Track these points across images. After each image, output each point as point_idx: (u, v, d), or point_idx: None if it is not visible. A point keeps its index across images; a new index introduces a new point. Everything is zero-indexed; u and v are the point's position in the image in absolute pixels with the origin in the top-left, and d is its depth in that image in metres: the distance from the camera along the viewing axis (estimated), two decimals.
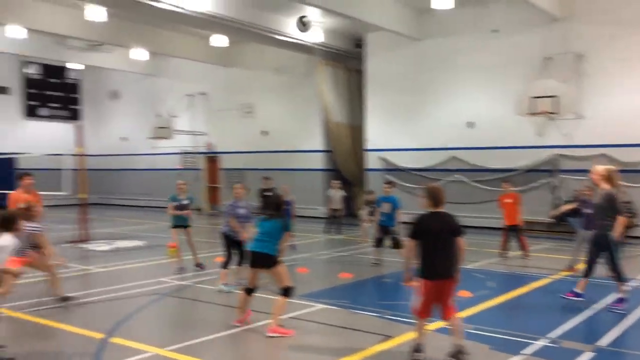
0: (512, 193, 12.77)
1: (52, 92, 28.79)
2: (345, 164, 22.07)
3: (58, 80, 29.06)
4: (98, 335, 6.77)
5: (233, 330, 7.05)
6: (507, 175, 16.96)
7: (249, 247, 7.19)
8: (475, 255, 12.27)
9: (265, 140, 23.80)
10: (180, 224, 11.27)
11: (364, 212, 15.12)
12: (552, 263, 11.64)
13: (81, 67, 27.43)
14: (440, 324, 6.46)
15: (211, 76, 25.39)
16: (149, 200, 26.85)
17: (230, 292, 8.97)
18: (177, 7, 15.54)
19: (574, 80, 16.39)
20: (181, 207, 11.20)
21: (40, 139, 26.88)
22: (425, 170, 19.29)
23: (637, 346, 6.79)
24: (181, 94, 26.28)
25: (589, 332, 7.33)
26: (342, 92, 22.00)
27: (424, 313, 5.89)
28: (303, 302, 8.25)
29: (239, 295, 7.35)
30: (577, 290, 8.26)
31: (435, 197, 5.91)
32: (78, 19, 18.63)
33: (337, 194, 16.48)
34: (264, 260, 6.90)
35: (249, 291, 7.17)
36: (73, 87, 29.77)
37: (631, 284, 8.87)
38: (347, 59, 22.09)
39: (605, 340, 6.70)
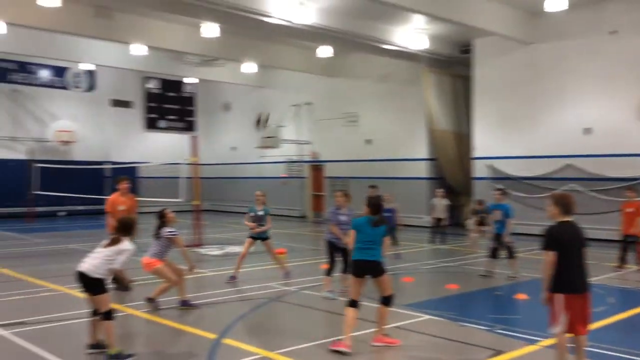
0: (635, 202, 11.95)
1: (169, 105, 30.66)
2: (451, 173, 21.60)
3: (175, 94, 30.88)
4: (211, 336, 7.07)
5: (338, 337, 7.10)
6: (630, 183, 15.80)
7: (354, 255, 6.83)
8: (594, 269, 11.51)
9: (369, 148, 23.85)
10: (256, 236, 11.06)
11: (471, 222, 14.69)
12: None
13: (195, 81, 29.01)
14: (551, 341, 6.14)
15: (316, 86, 25.87)
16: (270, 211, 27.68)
17: (334, 299, 9.06)
18: (286, 20, 16.03)
19: None
20: (256, 219, 11.04)
21: (158, 149, 28.67)
22: (538, 178, 18.45)
23: None
24: (287, 104, 27.00)
25: None
26: (447, 99, 21.60)
27: (573, 329, 5.43)
28: (408, 312, 8.15)
29: (346, 314, 6.72)
30: None
31: (565, 205, 5.52)
32: (194, 36, 19.77)
33: (441, 202, 16.09)
34: (373, 268, 6.75)
35: (355, 303, 6.72)
36: (189, 100, 31.50)
37: None
38: (453, 65, 21.68)
39: None
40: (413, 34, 18.79)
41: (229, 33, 20.44)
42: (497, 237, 11.27)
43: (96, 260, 6.18)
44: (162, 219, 8.72)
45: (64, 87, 26.94)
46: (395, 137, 22.92)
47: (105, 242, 6.37)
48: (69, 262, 10.05)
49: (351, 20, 17.42)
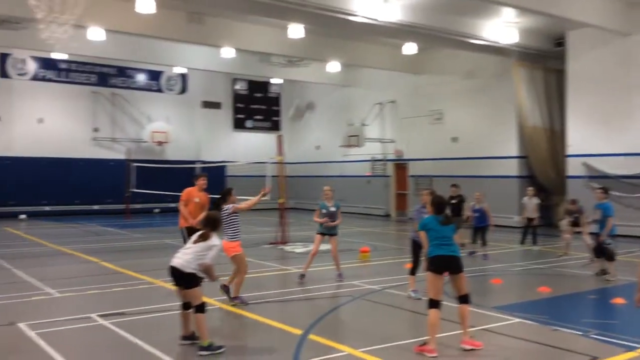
0: None
1: (256, 105, 31.44)
2: (543, 171, 20.75)
3: (261, 95, 31.64)
4: (297, 331, 7.19)
5: (422, 338, 7.02)
6: None
7: (432, 252, 6.67)
8: None
9: (454, 146, 23.36)
10: (326, 232, 10.93)
11: (564, 223, 14.04)
12: None
13: (281, 81, 29.57)
14: None
15: (400, 84, 25.65)
16: (341, 205, 27.82)
17: (419, 299, 8.98)
18: (370, 19, 16.01)
19: None
20: (329, 215, 10.86)
21: (246, 149, 29.49)
22: (637, 177, 17.38)
23: None
24: (371, 103, 26.95)
25: None
26: (539, 94, 20.75)
27: None
28: (497, 315, 7.94)
29: (429, 315, 6.56)
30: None
31: None
32: (280, 38, 20.19)
33: (532, 201, 15.40)
34: (454, 263, 6.62)
35: (436, 304, 6.52)
36: (274, 101, 32.17)
37: None
38: (545, 58, 20.82)
39: None
40: (502, 27, 18.21)
41: (313, 33, 20.68)
42: (597, 237, 11.00)
43: (187, 255, 6.44)
44: (225, 197, 8.81)
45: (158, 90, 28.30)
46: (482, 135, 22.30)
47: (194, 238, 6.62)
48: (164, 257, 10.50)
49: (437, 15, 17.12)
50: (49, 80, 25.39)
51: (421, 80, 24.78)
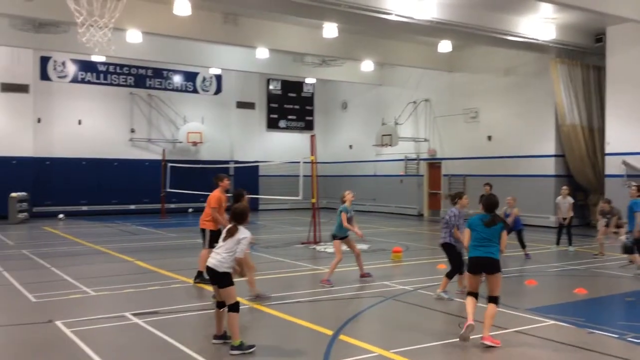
0: None
1: (289, 105, 31.58)
2: (581, 170, 20.29)
3: (295, 95, 31.75)
4: (328, 332, 7.19)
5: (452, 340, 6.95)
6: None
7: (470, 253, 6.97)
8: None
9: (490, 145, 23.04)
10: (344, 235, 10.63)
11: (601, 223, 13.71)
12: None
13: (314, 81, 29.63)
14: None
15: (434, 82, 25.42)
16: (373, 205, 27.80)
17: (450, 300, 8.89)
18: (406, 17, 15.91)
19: None
20: (350, 220, 10.51)
21: (279, 148, 29.66)
22: None
23: None
24: (405, 102, 26.77)
25: None
26: (578, 91, 20.29)
27: None
28: (532, 317, 7.79)
29: (466, 302, 6.99)
30: None
31: None
32: (314, 37, 20.27)
33: (566, 201, 14.92)
34: (488, 264, 6.80)
35: (473, 294, 6.99)
36: (308, 100, 32.25)
37: None
38: (584, 55, 20.36)
39: None
40: (540, 23, 17.89)
41: (347, 32, 20.66)
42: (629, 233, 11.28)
43: (220, 255, 6.51)
44: (239, 198, 8.85)
45: (194, 91, 28.68)
46: (518, 133, 21.94)
47: (223, 235, 6.66)
48: (198, 256, 10.67)
49: (473, 12, 16.91)
50: (88, 82, 26.00)
51: (456, 78, 24.51)
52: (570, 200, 14.76)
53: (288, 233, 18.92)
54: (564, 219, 14.84)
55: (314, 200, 16.42)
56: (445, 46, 20.50)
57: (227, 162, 27.93)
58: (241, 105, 29.89)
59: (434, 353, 6.57)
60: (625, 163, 18.29)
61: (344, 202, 10.60)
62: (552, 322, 7.67)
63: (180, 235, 18.10)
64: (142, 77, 27.29)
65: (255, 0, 15.00)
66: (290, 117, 31.62)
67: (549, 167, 21.05)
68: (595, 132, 20.29)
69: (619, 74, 18.70)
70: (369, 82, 27.88)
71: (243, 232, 6.56)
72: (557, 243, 15.27)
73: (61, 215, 24.29)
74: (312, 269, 12.40)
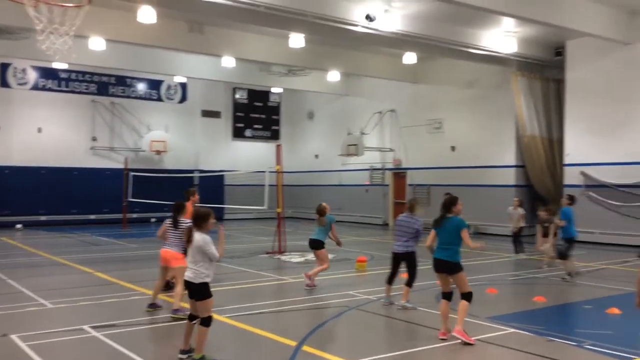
0: None
1: (256, 114, 31.47)
2: (540, 180, 20.74)
3: (261, 104, 31.68)
4: (291, 343, 7.14)
5: (420, 348, 6.99)
6: None
7: (435, 254, 7.55)
8: None
9: (454, 155, 23.38)
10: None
11: (538, 232, 14.02)
12: None
13: (280, 90, 29.63)
14: None
15: (400, 93, 25.71)
16: (339, 214, 27.74)
17: (414, 309, 8.95)
18: (372, 29, 16.07)
19: None
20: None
21: (245, 158, 29.51)
22: (635, 186, 17.39)
23: None
24: (370, 112, 26.99)
25: None
26: (538, 103, 20.79)
27: None
28: (493, 325, 7.89)
29: (440, 306, 7.51)
30: None
31: None
32: (280, 47, 20.30)
33: (516, 212, 15.36)
34: (445, 266, 7.37)
35: (445, 295, 7.45)
36: (274, 110, 32.21)
37: None
38: (544, 68, 20.89)
39: None
40: (502, 37, 18.28)
41: (314, 43, 20.75)
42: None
43: (194, 267, 6.35)
44: (180, 210, 8.78)
45: (158, 99, 28.34)
46: (481, 144, 22.34)
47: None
48: (159, 267, 10.48)
49: (437, 25, 17.20)
50: (49, 89, 25.45)
51: (421, 89, 24.84)
52: (520, 211, 15.11)
53: (253, 243, 18.80)
54: (519, 228, 15.20)
55: (279, 210, 16.37)
56: (410, 58, 20.78)
57: (191, 171, 27.64)
58: (206, 114, 29.67)
59: None
60: (583, 174, 18.79)
61: (325, 213, 10.94)
62: (513, 330, 7.78)
63: (141, 246, 17.79)
64: (105, 85, 26.85)
65: (220, 10, 14.91)
66: (256, 126, 31.51)
67: (510, 177, 21.47)
68: (554, 143, 20.79)
69: (577, 87, 19.24)
70: (335, 92, 28.03)
71: (198, 237, 6.27)
72: (516, 252, 15.56)
73: (19, 226, 23.63)
74: (276, 279, 12.34)
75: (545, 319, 8.72)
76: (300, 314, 9.01)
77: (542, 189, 20.76)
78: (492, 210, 20.51)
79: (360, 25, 15.86)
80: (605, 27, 16.99)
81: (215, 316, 8.47)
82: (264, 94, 31.41)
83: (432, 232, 7.65)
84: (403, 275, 9.59)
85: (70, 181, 25.47)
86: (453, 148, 23.44)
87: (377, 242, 19.58)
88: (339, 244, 11.05)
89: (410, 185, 25.34)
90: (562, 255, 12.13)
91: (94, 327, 7.81)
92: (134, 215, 25.61)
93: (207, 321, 6.31)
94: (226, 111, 30.46)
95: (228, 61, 21.58)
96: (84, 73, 26.04)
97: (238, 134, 30.93)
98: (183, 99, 29.00)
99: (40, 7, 11.15)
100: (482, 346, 7.07)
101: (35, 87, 25.11)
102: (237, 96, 30.84)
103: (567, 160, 19.53)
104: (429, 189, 23.76)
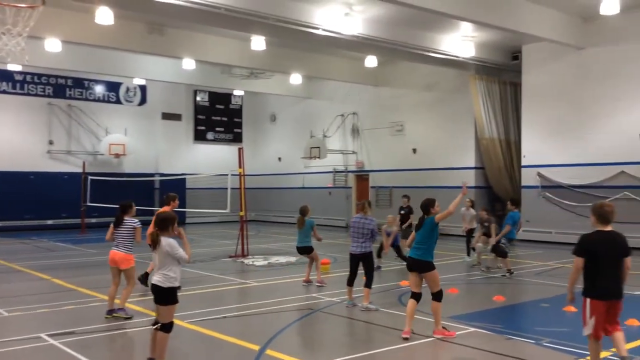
0: None
1: (217, 117, 31.23)
2: (499, 181, 21.18)
3: (223, 106, 31.45)
4: (254, 347, 7.10)
5: (382, 349, 7.04)
6: None
7: (409, 253, 7.80)
8: None
9: (415, 158, 23.67)
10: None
11: (478, 232, 14.20)
12: None
13: (242, 93, 29.47)
14: (606, 353, 5.98)
15: (361, 96, 25.90)
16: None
17: (377, 310, 9.01)
18: (332, 32, 16.15)
19: None
20: None
21: (206, 161, 29.24)
22: (589, 187, 17.91)
23: None
24: (333, 115, 27.10)
25: None
26: (496, 106, 21.24)
27: (598, 334, 5.63)
28: (453, 324, 8.01)
29: (408, 305, 7.65)
30: None
31: (601, 214, 5.65)
32: (242, 50, 20.20)
33: (469, 212, 15.40)
34: (417, 265, 7.59)
35: (414, 295, 7.60)
36: (236, 112, 32.02)
37: None
38: (501, 72, 21.34)
39: None
40: (460, 41, 18.60)
41: (275, 45, 20.72)
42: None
43: (162, 271, 6.24)
44: (125, 209, 8.75)
45: (117, 102, 27.85)
46: (441, 146, 22.68)
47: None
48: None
49: (397, 29, 17.40)
50: (3, 92, 24.73)
51: (382, 92, 25.07)
52: (473, 212, 15.09)
53: (216, 247, 18.64)
54: (471, 229, 15.19)
55: (242, 213, 16.27)
56: (371, 61, 20.96)
57: (152, 174, 27.25)
58: (167, 116, 29.30)
59: None
60: (540, 175, 19.28)
61: (306, 213, 11.80)
62: (473, 329, 7.92)
63: (100, 252, 17.37)
64: (61, 87, 26.24)
65: (180, 11, 14.74)
66: (218, 129, 31.27)
67: (470, 178, 21.82)
68: (512, 145, 21.26)
69: (533, 90, 19.73)
70: (297, 95, 28.04)
71: (165, 241, 6.18)
72: (468, 253, 15.48)
73: None
74: (240, 282, 12.26)
75: (504, 318, 8.92)
76: (263, 318, 8.97)
77: (500, 190, 21.20)
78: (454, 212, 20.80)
79: (322, 28, 15.92)
80: (559, 32, 17.49)
81: (178, 322, 8.37)
82: (226, 97, 31.20)
83: (413, 234, 7.88)
84: (364, 277, 9.62)
85: (26, 185, 24.78)
86: (414, 150, 23.73)
87: (340, 245, 19.63)
88: (319, 239, 11.71)
89: (372, 187, 25.53)
90: (503, 253, 12.63)
91: (51, 335, 7.61)
92: (93, 220, 25.06)
93: (168, 327, 6.22)
94: (187, 114, 30.14)
95: (188, 63, 21.37)
96: (39, 75, 25.40)
97: (199, 136, 30.64)
98: (143, 101, 28.57)
99: None
100: (443, 345, 7.18)
101: None
102: (198, 99, 30.55)
103: (524, 161, 20.00)
104: (391, 191, 24.00)
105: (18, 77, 25.00)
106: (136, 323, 8.30)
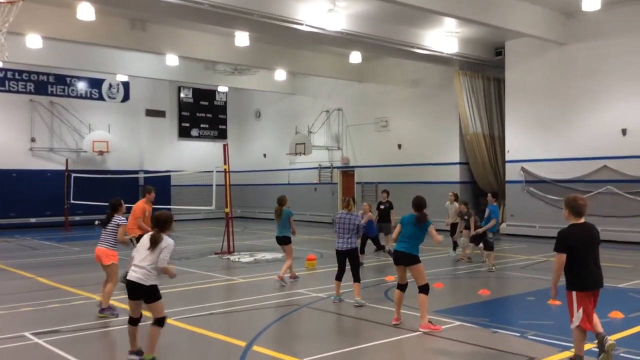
0: None
1: (202, 113, 31.06)
2: (483, 176, 21.32)
3: (207, 103, 31.28)
4: (241, 343, 7.09)
5: (369, 344, 7.07)
6: None
7: (396, 247, 7.94)
8: (630, 274, 11.23)
9: (400, 153, 23.74)
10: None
11: (460, 225, 14.27)
12: None
13: (226, 89, 29.34)
14: (590, 345, 6.07)
15: (346, 92, 25.90)
16: None
17: (365, 305, 9.04)
18: (316, 28, 16.12)
19: None
20: None
21: (191, 158, 29.08)
22: (572, 181, 18.10)
23: None
24: (318, 111, 27.09)
25: None
26: (480, 101, 21.35)
27: (587, 325, 5.73)
28: (439, 318, 8.06)
29: (395, 294, 7.96)
30: None
31: (575, 207, 5.82)
32: (226, 46, 20.09)
33: (453, 206, 15.38)
34: (405, 258, 7.73)
35: (400, 287, 7.87)
36: (220, 109, 31.87)
37: None
38: (485, 67, 21.46)
39: None
40: (444, 37, 18.67)
41: (260, 41, 20.65)
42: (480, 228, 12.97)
43: (144, 268, 6.19)
44: (115, 207, 8.76)
45: (100, 98, 27.58)
46: (426, 142, 22.76)
47: (146, 244, 6.35)
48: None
49: (381, 24, 17.42)
50: None
51: (367, 88, 25.09)
52: (456, 205, 15.05)
53: (201, 244, 18.57)
54: (455, 224, 15.15)
55: (227, 210, 16.21)
56: (355, 57, 20.97)
57: (136, 171, 27.04)
58: (151, 113, 29.09)
59: (347, 359, 6.64)
60: (523, 170, 19.44)
61: (284, 203, 11.68)
62: (459, 323, 7.97)
63: (85, 249, 17.25)
64: (43, 84, 25.93)
65: (162, 7, 14.62)
66: (202, 125, 31.11)
67: (455, 173, 21.97)
68: (496, 140, 21.40)
69: (516, 86, 19.87)
70: (282, 91, 27.98)
71: (166, 241, 6.28)
72: (454, 248, 15.53)
73: None
74: (226, 279, 12.23)
75: (490, 311, 8.99)
76: (250, 314, 8.96)
77: (485, 185, 21.33)
78: (438, 207, 20.85)
79: (305, 24, 15.89)
80: (541, 28, 17.62)
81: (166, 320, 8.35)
82: (210, 93, 31.03)
83: (398, 228, 8.03)
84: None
85: (9, 183, 24.51)
86: (399, 146, 23.79)
87: (326, 240, 19.65)
88: (293, 233, 11.49)
89: (358, 183, 25.58)
90: (491, 247, 12.71)
91: (35, 334, 7.54)
92: (77, 218, 24.84)
93: (161, 321, 6.23)
94: (171, 110, 29.94)
95: (172, 59, 21.22)
96: (20, 72, 25.08)
97: (184, 133, 30.46)
98: (126, 98, 28.32)
99: None
100: (429, 339, 7.22)
101: None
102: (182, 95, 30.36)
103: (508, 157, 20.15)
104: (377, 186, 24.04)
105: None
106: (122, 321, 8.24)
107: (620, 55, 17.19)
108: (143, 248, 6.30)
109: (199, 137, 30.94)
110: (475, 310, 8.86)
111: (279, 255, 14.71)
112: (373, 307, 9.05)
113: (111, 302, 8.74)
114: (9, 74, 24.95)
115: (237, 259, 14.75)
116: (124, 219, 8.76)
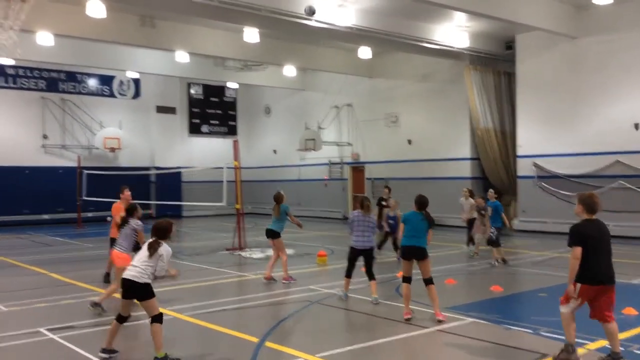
0: None
1: (212, 110, 31.12)
2: (494, 171, 21.21)
3: (217, 99, 31.34)
4: (253, 339, 7.12)
5: (382, 340, 7.07)
6: None
7: (403, 242, 8.14)
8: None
9: (410, 149, 23.67)
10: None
11: (478, 220, 14.09)
12: None
13: (237, 85, 29.38)
14: (603, 342, 6.01)
15: (356, 87, 25.84)
16: (298, 209, 27.78)
17: (377, 303, 9.04)
18: (326, 23, 16.08)
19: None
20: None
21: (201, 154, 29.17)
22: (584, 176, 17.96)
23: None
24: (328, 106, 27.05)
25: None
26: (491, 96, 21.22)
27: (593, 316, 5.92)
28: (452, 315, 8.06)
29: (403, 289, 8.13)
30: None
31: (589, 204, 5.91)
32: (235, 42, 20.09)
33: (467, 202, 15.27)
34: (418, 252, 7.97)
35: (407, 279, 8.08)
36: (230, 105, 31.92)
37: None
38: (496, 62, 21.32)
39: None
40: (455, 31, 18.57)
41: (269, 37, 20.63)
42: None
43: (139, 267, 6.29)
44: (132, 212, 8.78)
45: (111, 95, 27.71)
46: (437, 137, 22.67)
47: (147, 252, 6.41)
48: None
49: (391, 19, 17.35)
50: None
51: (377, 83, 25.02)
52: (471, 201, 14.91)
53: (212, 240, 18.64)
54: (471, 219, 15.01)
55: (238, 206, 16.25)
56: (365, 52, 20.90)
57: (147, 168, 27.18)
58: (161, 109, 29.18)
59: (358, 355, 6.65)
60: (535, 165, 19.32)
61: (280, 200, 11.48)
62: (471, 319, 7.95)
63: (97, 245, 17.37)
64: (54, 81, 26.09)
65: (172, 4, 14.65)
66: (212, 122, 31.18)
67: (465, 169, 21.87)
68: (507, 135, 21.28)
69: (527, 80, 19.74)
70: (291, 87, 27.96)
71: (164, 248, 6.37)
72: (467, 244, 15.44)
73: None
74: (237, 275, 12.27)
75: (502, 308, 8.95)
76: (262, 310, 8.99)
77: (496, 181, 21.23)
78: (449, 203, 20.83)
79: (315, 19, 15.85)
80: (552, 21, 17.48)
81: (176, 314, 8.41)
82: (220, 89, 31.09)
83: (402, 226, 8.20)
84: (362, 269, 9.62)
85: (22, 180, 24.70)
86: (410, 141, 23.72)
87: (337, 237, 19.67)
88: (299, 225, 11.60)
89: (368, 179, 25.53)
90: (496, 243, 12.72)
91: (50, 330, 7.62)
92: (89, 215, 25.00)
93: (158, 318, 6.29)
94: (181, 107, 30.03)
95: (182, 56, 21.26)
96: (32, 69, 25.25)
97: (194, 130, 30.56)
98: (136, 94, 28.44)
99: None
100: (442, 336, 7.21)
101: None
102: (192, 91, 30.44)
103: (519, 152, 20.03)
104: (387, 182, 23.97)
105: (10, 72, 24.84)
106: (137, 316, 8.30)
107: (631, 49, 17.03)
108: (143, 254, 6.43)
109: (209, 133, 31.02)
110: (487, 307, 8.83)
111: (290, 251, 14.70)
112: (385, 303, 9.05)
113: (117, 295, 8.79)
114: (21, 72, 25.12)
115: (248, 255, 14.79)
116: (141, 223, 8.79)
